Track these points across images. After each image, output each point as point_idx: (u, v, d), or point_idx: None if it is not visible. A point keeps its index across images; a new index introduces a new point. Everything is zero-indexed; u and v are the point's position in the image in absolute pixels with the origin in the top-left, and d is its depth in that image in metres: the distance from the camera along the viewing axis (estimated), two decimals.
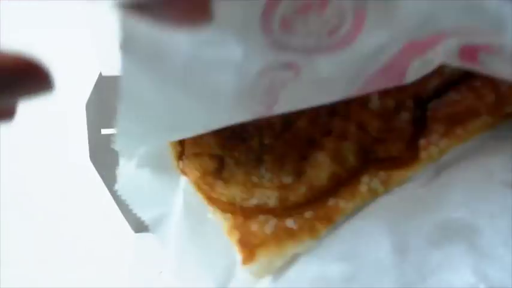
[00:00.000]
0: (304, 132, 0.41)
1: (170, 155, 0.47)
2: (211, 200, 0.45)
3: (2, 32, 0.40)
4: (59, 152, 0.43)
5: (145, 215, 0.46)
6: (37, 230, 0.44)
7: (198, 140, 0.45)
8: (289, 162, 0.41)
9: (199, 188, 0.46)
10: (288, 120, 0.42)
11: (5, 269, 0.42)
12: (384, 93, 0.40)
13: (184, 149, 0.47)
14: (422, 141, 0.39)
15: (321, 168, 0.40)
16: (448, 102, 0.40)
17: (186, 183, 0.47)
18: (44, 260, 0.43)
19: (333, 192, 0.41)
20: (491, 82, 0.39)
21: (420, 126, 0.40)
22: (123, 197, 0.46)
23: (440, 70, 0.39)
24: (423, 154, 0.39)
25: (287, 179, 0.41)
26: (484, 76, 0.37)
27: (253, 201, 0.43)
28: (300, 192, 0.41)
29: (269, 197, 0.42)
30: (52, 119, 0.42)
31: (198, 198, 0.46)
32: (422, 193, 0.38)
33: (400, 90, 0.40)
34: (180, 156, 0.47)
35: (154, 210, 0.47)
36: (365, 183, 0.40)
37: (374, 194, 0.40)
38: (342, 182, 0.40)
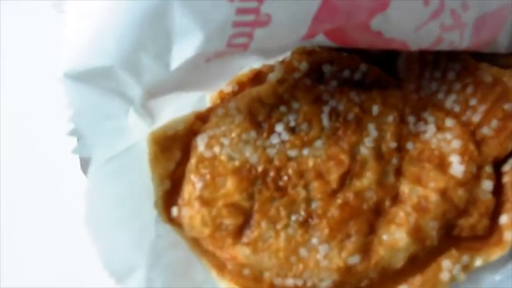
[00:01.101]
0: (369, 194, 0.32)
1: (153, 190, 0.33)
2: (223, 270, 0.32)
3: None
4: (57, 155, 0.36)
5: (109, 265, 0.31)
6: (38, 231, 0.42)
7: (209, 179, 0.32)
8: (353, 235, 0.31)
9: (203, 251, 0.32)
10: (347, 173, 0.32)
11: (5, 269, 0.42)
12: (465, 156, 0.33)
13: (179, 188, 0.33)
14: (504, 219, 0.33)
15: (399, 247, 0.31)
16: None
17: (170, 235, 0.33)
18: (44, 261, 0.42)
19: (405, 277, 0.32)
20: None
21: (499, 196, 0.34)
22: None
23: None
24: (507, 236, 0.33)
25: (353, 259, 0.31)
26: None
27: (295, 282, 0.31)
28: (367, 276, 0.31)
29: (323, 279, 0.31)
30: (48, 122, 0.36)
31: (199, 262, 0.33)
32: (501, 283, 0.33)
33: (481, 153, 0.34)
34: (171, 197, 0.33)
35: (120, 261, 0.32)
36: (447, 270, 0.32)
37: (453, 282, 0.32)
38: (419, 266, 0.32)
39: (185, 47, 0.28)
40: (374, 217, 0.32)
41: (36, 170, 0.42)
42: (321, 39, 0.31)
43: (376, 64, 0.36)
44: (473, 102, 0.35)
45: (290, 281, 0.31)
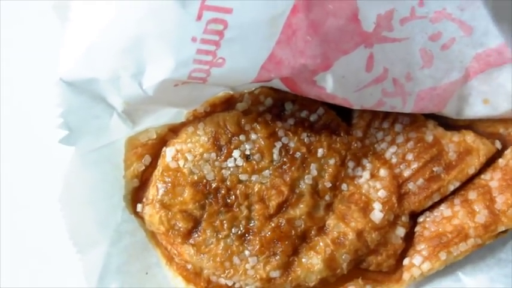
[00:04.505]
0: (299, 222, 0.43)
1: (123, 185, 0.44)
2: (171, 261, 0.44)
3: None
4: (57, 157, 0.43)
5: (74, 237, 0.43)
6: (38, 231, 0.49)
7: (171, 187, 0.43)
8: (278, 254, 0.43)
9: (157, 243, 0.44)
10: (284, 202, 0.43)
11: (5, 269, 0.47)
12: (386, 206, 0.44)
13: (145, 187, 0.44)
14: (406, 261, 0.44)
15: (313, 271, 0.43)
16: (437, 220, 0.44)
17: (133, 222, 0.45)
18: (44, 261, 0.48)
19: None
20: (489, 194, 0.43)
21: (408, 242, 0.45)
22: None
23: (444, 189, 0.44)
24: (406, 275, 0.44)
25: (274, 273, 0.43)
26: (482, 187, 0.44)
27: (226, 281, 0.43)
28: None
29: (248, 284, 0.43)
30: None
31: (153, 249, 0.44)
32: None
33: (401, 205, 0.44)
34: (138, 193, 0.44)
35: (85, 235, 0.44)
36: None
37: None
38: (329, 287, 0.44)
39: (155, 73, 0.39)
40: (299, 242, 0.43)
41: (37, 171, 0.50)
42: (277, 83, 0.41)
43: (335, 107, 0.46)
44: (409, 157, 0.45)
45: (222, 280, 0.43)
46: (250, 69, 0.39)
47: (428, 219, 0.45)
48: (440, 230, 0.44)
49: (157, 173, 0.44)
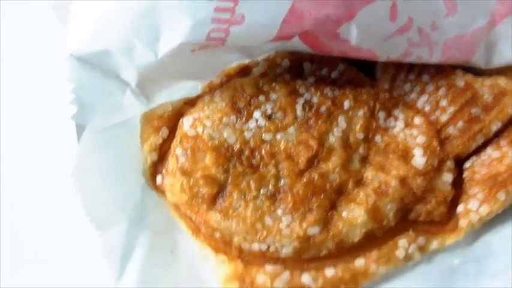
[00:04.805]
0: (334, 176, 0.39)
1: (141, 160, 0.41)
2: (197, 232, 0.40)
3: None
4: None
5: (92, 214, 0.39)
6: (38, 231, 0.47)
7: (190, 153, 0.40)
8: (315, 209, 0.38)
9: (182, 215, 0.40)
10: (314, 157, 0.40)
11: (5, 269, 0.46)
12: (428, 150, 0.40)
13: (164, 159, 0.41)
14: (461, 208, 0.40)
15: (356, 224, 0.38)
16: (486, 162, 0.41)
17: (154, 198, 0.41)
18: (44, 260, 0.46)
19: (363, 251, 0.39)
20: None
21: (458, 189, 0.40)
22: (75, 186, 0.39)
23: (486, 130, 0.41)
24: (463, 222, 0.39)
25: (312, 230, 0.38)
26: None
27: (259, 246, 0.39)
28: (325, 246, 0.39)
29: (284, 245, 0.38)
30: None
31: (177, 224, 0.41)
32: (460, 266, 0.39)
33: (444, 149, 0.41)
34: (157, 167, 0.41)
35: (103, 213, 0.40)
36: (403, 248, 0.39)
37: (408, 260, 0.39)
38: (376, 242, 0.39)
39: (171, 37, 0.38)
40: (336, 196, 0.39)
41: (37, 171, 0.49)
42: (297, 43, 0.40)
43: (356, 65, 0.44)
44: (443, 103, 0.42)
45: (255, 246, 0.38)
46: (271, 25, 0.38)
47: (476, 163, 0.41)
48: (493, 171, 0.40)
49: (175, 142, 0.41)
